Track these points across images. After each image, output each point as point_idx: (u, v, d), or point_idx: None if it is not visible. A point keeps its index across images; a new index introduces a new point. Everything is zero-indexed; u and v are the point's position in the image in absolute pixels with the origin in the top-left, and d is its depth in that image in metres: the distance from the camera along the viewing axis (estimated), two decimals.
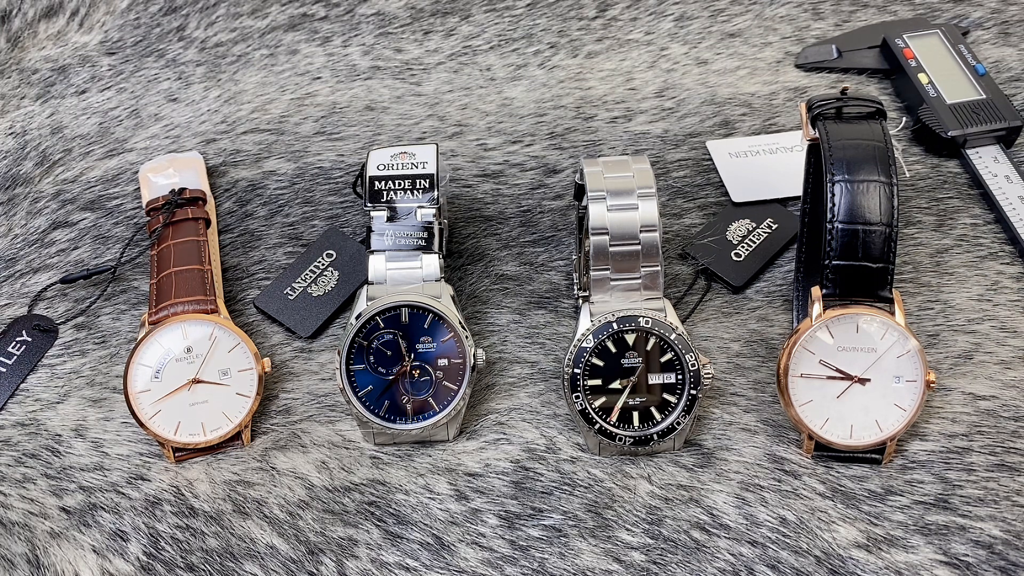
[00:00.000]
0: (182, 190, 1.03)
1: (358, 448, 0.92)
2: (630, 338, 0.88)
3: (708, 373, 0.88)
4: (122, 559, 0.86)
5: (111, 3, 1.32)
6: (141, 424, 0.90)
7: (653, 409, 0.88)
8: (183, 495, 0.89)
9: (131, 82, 1.24)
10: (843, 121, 0.89)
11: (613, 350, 0.88)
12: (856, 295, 0.87)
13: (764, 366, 0.96)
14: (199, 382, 0.91)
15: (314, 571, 0.85)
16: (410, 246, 0.92)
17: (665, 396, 0.88)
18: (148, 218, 1.03)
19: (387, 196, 0.93)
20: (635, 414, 0.88)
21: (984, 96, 1.12)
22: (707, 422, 0.93)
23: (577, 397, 0.88)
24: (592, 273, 0.89)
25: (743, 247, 1.04)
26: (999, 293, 1.00)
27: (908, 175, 1.09)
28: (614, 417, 0.88)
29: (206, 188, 1.07)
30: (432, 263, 0.92)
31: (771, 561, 0.84)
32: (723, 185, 1.10)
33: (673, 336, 0.87)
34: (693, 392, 0.87)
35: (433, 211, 0.92)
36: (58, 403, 0.96)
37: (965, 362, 0.95)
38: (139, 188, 1.10)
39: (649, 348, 0.88)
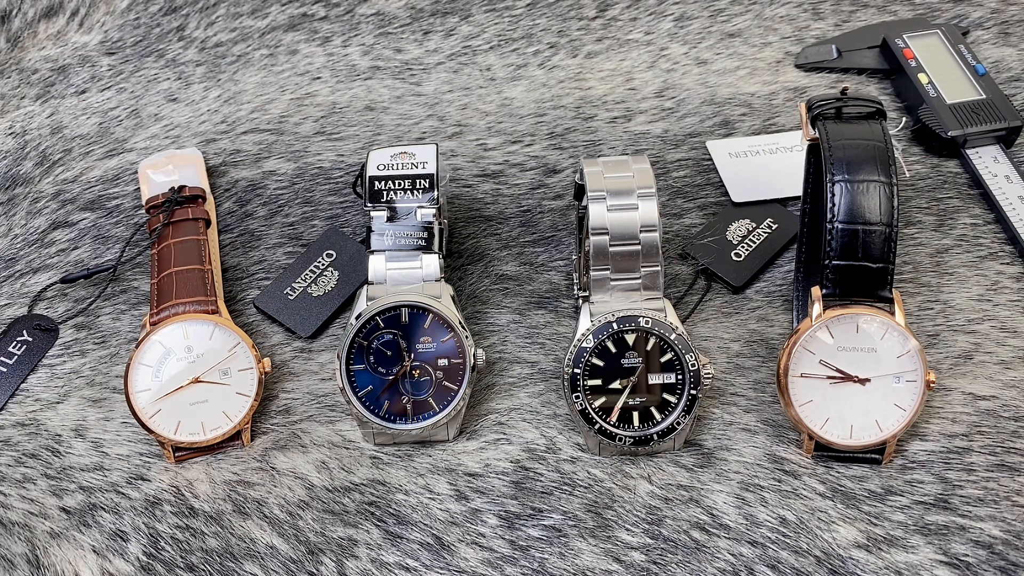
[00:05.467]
0: (181, 188, 1.03)
1: (358, 448, 0.92)
2: (630, 338, 0.88)
3: (708, 373, 0.88)
4: (122, 559, 0.86)
5: (111, 3, 1.32)
6: (142, 423, 0.90)
7: (653, 409, 0.88)
8: (183, 495, 0.89)
9: (131, 82, 1.24)
10: (843, 121, 0.89)
11: (613, 350, 0.88)
12: (856, 295, 0.87)
13: (764, 366, 0.96)
14: (199, 382, 0.91)
15: (314, 571, 0.85)
16: (410, 246, 0.92)
17: (665, 396, 0.88)
18: (148, 216, 1.03)
19: (387, 196, 0.93)
20: (635, 414, 0.88)
21: (984, 96, 1.12)
22: (707, 422, 0.93)
23: (577, 397, 0.88)
24: (592, 273, 0.89)
25: (743, 247, 1.04)
26: (999, 293, 1.00)
27: (908, 175, 1.09)
28: (614, 417, 0.88)
29: (205, 186, 1.07)
30: (432, 263, 0.92)
31: (771, 561, 0.84)
32: (723, 185, 1.10)
33: (673, 336, 0.87)
34: (693, 392, 0.87)
35: (433, 211, 0.92)
36: (58, 403, 0.96)
37: (965, 362, 0.95)
38: (139, 188, 1.10)
39: (649, 348, 0.88)
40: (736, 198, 1.08)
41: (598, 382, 0.88)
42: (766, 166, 1.11)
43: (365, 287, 0.91)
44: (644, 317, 0.87)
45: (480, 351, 0.90)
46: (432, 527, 0.87)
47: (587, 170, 0.92)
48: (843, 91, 0.90)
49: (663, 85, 1.20)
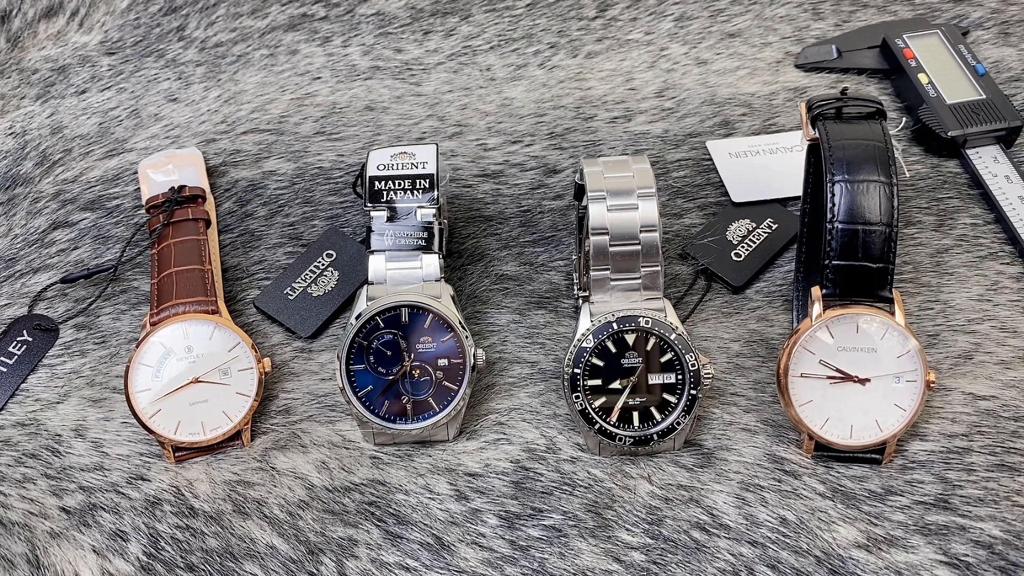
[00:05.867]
0: (181, 188, 1.03)
1: (358, 448, 0.92)
2: (630, 338, 0.88)
3: (708, 373, 0.88)
4: (122, 559, 0.86)
5: (111, 3, 1.32)
6: (142, 423, 0.90)
7: (653, 409, 0.88)
8: (183, 495, 0.89)
9: (131, 82, 1.24)
10: (843, 121, 0.89)
11: (613, 350, 0.88)
12: (856, 295, 0.87)
13: (764, 366, 0.96)
14: (199, 382, 0.91)
15: (314, 571, 0.85)
16: (410, 246, 0.92)
17: (665, 396, 0.88)
18: (148, 215, 1.03)
19: (387, 196, 0.93)
20: (635, 414, 0.88)
21: (984, 96, 1.12)
22: (707, 422, 0.93)
23: (577, 397, 0.88)
24: (592, 273, 0.89)
25: (743, 247, 1.04)
26: (999, 293, 1.00)
27: (908, 175, 1.09)
28: (614, 417, 0.88)
29: (205, 185, 1.07)
30: (432, 263, 0.92)
31: (771, 561, 0.84)
32: (723, 185, 1.10)
33: (673, 336, 0.87)
34: (693, 392, 0.87)
35: (433, 211, 0.92)
36: (58, 403, 0.96)
37: (965, 362, 0.95)
38: (139, 188, 1.10)
39: (649, 348, 0.88)
40: (736, 198, 1.08)
41: (598, 382, 0.88)
42: (766, 166, 1.11)
43: (365, 287, 0.91)
44: (644, 317, 0.87)
45: (480, 351, 0.90)
46: (432, 527, 0.87)
47: (587, 170, 0.92)
48: (843, 91, 0.90)
49: (663, 85, 1.20)
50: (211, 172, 1.12)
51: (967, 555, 0.83)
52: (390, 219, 0.93)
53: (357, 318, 0.89)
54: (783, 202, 1.08)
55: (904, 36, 1.19)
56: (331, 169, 1.13)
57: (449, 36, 1.28)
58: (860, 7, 1.28)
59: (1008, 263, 1.02)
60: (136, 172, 1.12)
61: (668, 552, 0.85)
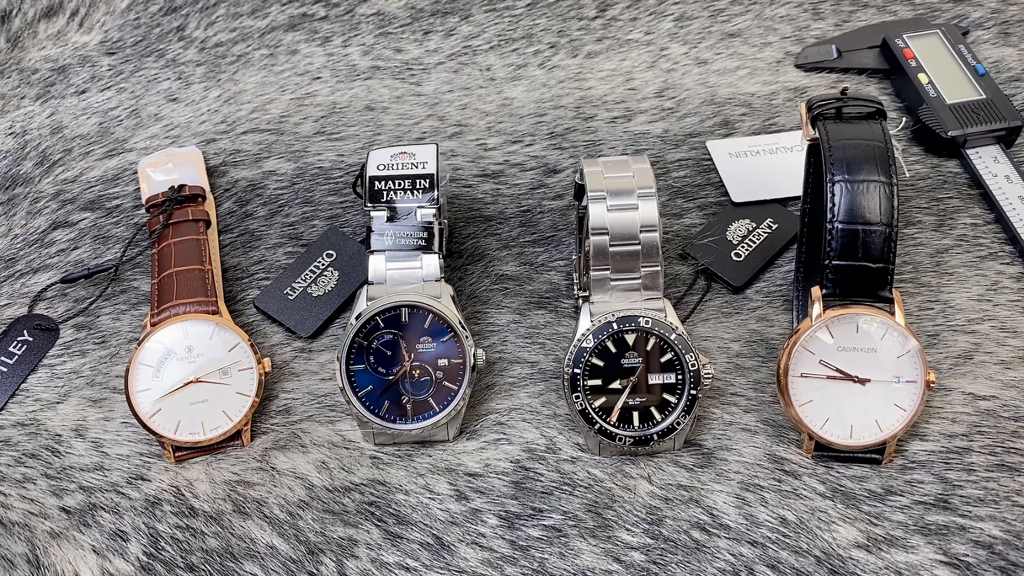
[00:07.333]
0: (181, 187, 1.03)
1: (358, 448, 0.92)
2: (630, 338, 0.88)
3: (708, 373, 0.88)
4: (122, 559, 0.86)
5: (111, 3, 1.32)
6: (142, 423, 0.90)
7: (653, 409, 0.88)
8: (183, 495, 0.89)
9: (131, 82, 1.24)
10: (843, 121, 0.89)
11: (613, 350, 0.88)
12: (856, 295, 0.87)
13: (764, 366, 0.96)
14: (200, 381, 0.91)
15: (314, 571, 0.85)
16: (410, 246, 0.92)
17: (665, 396, 0.88)
18: (148, 215, 1.03)
19: (387, 196, 0.93)
20: (635, 414, 0.88)
21: (984, 96, 1.12)
22: (707, 422, 0.93)
23: (577, 397, 0.88)
24: (592, 273, 0.89)
25: (743, 247, 1.04)
26: (999, 293, 1.00)
27: (908, 175, 1.09)
28: (614, 417, 0.88)
29: (205, 184, 1.07)
30: (432, 263, 0.92)
31: (771, 561, 0.84)
32: (723, 185, 1.10)
33: (673, 336, 0.87)
34: (693, 392, 0.87)
35: (433, 211, 0.93)
36: (58, 403, 0.96)
37: (965, 362, 0.95)
38: (139, 187, 1.10)
39: (649, 348, 0.88)
40: (736, 198, 1.08)
41: (598, 382, 0.88)
42: (766, 166, 1.11)
43: (365, 287, 0.91)
44: (644, 317, 0.87)
45: (480, 351, 0.90)
46: (432, 527, 0.87)
47: (587, 170, 0.92)
48: (843, 91, 0.90)
49: (663, 85, 1.20)
50: (211, 172, 1.12)
51: (967, 555, 0.83)
52: (390, 219, 0.93)
53: (357, 318, 0.89)
54: (783, 202, 1.08)
55: (904, 36, 1.19)
56: (331, 169, 1.13)
57: (449, 36, 1.28)
58: (860, 7, 1.28)
59: (1008, 263, 1.02)
60: (136, 172, 1.12)
61: (668, 552, 0.85)
